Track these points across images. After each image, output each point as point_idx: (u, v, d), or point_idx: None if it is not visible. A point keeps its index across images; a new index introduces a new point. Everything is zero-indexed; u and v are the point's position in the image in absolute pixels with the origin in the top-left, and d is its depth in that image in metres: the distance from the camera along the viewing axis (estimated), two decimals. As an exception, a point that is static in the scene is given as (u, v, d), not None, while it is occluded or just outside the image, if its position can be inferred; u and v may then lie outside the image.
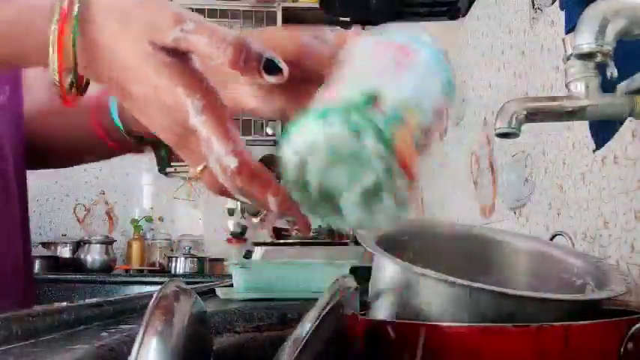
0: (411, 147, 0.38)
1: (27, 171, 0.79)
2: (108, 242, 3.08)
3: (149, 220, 3.37)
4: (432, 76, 0.42)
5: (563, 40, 0.60)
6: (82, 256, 3.01)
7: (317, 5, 1.65)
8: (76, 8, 0.42)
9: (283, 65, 0.42)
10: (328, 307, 0.40)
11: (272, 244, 1.77)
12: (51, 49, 0.42)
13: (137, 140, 0.68)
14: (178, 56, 0.42)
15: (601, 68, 0.58)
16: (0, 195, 0.72)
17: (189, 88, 0.41)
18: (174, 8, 0.42)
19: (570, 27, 0.91)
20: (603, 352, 0.44)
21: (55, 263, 2.97)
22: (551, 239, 0.70)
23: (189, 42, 0.41)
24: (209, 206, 3.39)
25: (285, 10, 3.17)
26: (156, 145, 0.70)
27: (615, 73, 0.55)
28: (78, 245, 3.09)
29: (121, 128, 0.67)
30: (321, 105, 0.39)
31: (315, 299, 0.41)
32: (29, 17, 0.44)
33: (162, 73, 0.41)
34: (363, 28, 0.47)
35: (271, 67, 0.41)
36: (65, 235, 3.30)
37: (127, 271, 3.10)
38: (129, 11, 0.42)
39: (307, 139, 0.38)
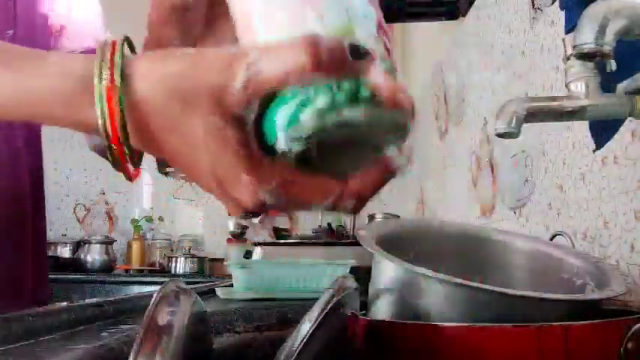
0: (384, 76, 0.35)
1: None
2: (108, 242, 3.08)
3: (149, 220, 3.37)
4: None
5: (563, 40, 0.60)
6: (82, 256, 3.02)
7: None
8: (117, 81, 0.36)
9: (369, 47, 0.36)
10: (328, 307, 0.40)
11: (272, 244, 1.77)
12: (103, 125, 0.36)
13: None
14: (241, 125, 0.36)
15: (601, 68, 0.58)
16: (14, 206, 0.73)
17: (253, 171, 0.36)
18: (230, 54, 0.36)
19: (570, 27, 0.91)
20: (603, 352, 0.44)
21: (55, 263, 2.97)
22: (551, 239, 0.70)
23: (259, 77, 0.34)
24: (209, 206, 3.39)
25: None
26: None
27: (614, 66, 0.54)
28: (78, 245, 3.09)
29: None
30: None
31: (315, 299, 0.41)
32: (64, 88, 0.38)
33: (227, 149, 0.35)
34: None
35: (356, 52, 0.35)
36: (65, 235, 3.30)
37: (127, 271, 3.10)
38: (178, 80, 0.36)
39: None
